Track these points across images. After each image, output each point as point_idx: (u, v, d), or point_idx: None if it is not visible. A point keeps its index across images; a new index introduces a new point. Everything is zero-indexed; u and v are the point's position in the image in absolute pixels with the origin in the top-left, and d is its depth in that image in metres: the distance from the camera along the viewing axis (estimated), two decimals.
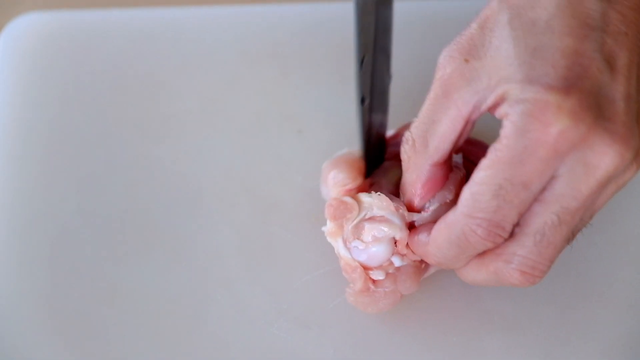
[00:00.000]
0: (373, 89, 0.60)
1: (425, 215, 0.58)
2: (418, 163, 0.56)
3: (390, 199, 0.58)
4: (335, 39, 0.73)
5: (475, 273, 0.56)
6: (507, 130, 0.50)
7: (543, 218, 0.52)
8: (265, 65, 0.73)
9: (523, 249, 0.53)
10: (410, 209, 0.58)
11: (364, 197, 0.59)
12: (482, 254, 0.55)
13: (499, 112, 0.51)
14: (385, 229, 0.58)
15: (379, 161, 0.64)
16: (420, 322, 0.63)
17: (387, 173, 0.62)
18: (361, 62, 0.58)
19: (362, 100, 0.60)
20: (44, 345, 0.62)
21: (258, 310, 0.63)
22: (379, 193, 0.59)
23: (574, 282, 0.64)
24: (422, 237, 0.57)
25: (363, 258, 0.59)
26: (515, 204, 0.51)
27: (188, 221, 0.67)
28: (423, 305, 0.63)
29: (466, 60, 0.52)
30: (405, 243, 0.58)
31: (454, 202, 0.57)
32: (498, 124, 0.51)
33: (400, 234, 0.58)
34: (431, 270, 0.61)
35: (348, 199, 0.60)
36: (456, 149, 0.55)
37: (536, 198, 0.51)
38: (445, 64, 0.53)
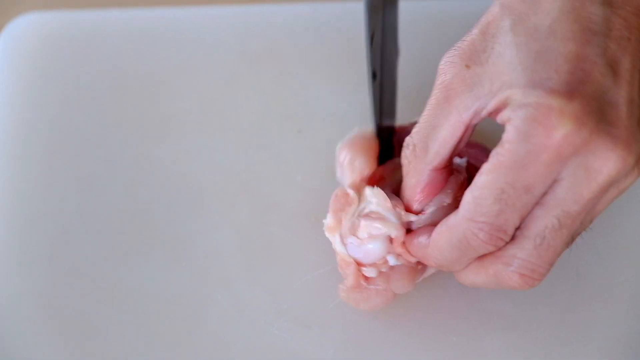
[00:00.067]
0: (383, 64, 0.62)
1: (422, 217, 0.58)
2: (418, 168, 0.56)
3: (390, 197, 0.58)
4: (335, 39, 0.73)
5: (475, 275, 0.56)
6: (509, 134, 0.50)
7: (544, 221, 0.52)
8: (265, 65, 0.73)
9: (523, 252, 0.53)
10: (409, 211, 0.58)
11: (367, 190, 0.60)
12: (482, 256, 0.55)
13: (501, 117, 0.51)
14: (381, 227, 0.58)
15: (389, 143, 0.64)
16: (420, 322, 0.63)
17: (396, 172, 0.62)
18: (371, 39, 0.60)
19: (374, 75, 0.61)
20: (44, 345, 0.62)
21: (258, 310, 0.63)
22: (376, 187, 0.59)
23: (574, 283, 0.64)
24: (422, 239, 0.57)
25: (359, 255, 0.59)
26: (517, 207, 0.51)
27: (188, 221, 0.67)
28: (423, 306, 0.63)
29: (467, 66, 0.52)
30: (401, 242, 0.58)
31: (451, 205, 0.57)
32: (499, 126, 0.51)
33: (396, 233, 0.58)
34: (429, 272, 0.61)
35: (351, 192, 0.60)
36: (456, 153, 0.55)
37: (537, 202, 0.51)
38: (446, 70, 0.53)
